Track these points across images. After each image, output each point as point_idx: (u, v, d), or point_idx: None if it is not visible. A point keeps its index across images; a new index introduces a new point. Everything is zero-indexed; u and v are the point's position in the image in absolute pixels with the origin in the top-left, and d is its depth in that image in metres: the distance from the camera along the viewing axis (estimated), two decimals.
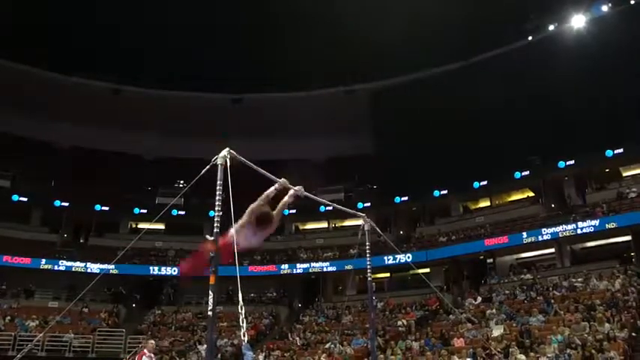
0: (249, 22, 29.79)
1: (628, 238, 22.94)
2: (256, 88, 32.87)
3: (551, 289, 21.06)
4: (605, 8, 27.77)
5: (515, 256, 26.87)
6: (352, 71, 31.94)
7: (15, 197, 30.09)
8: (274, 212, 6.33)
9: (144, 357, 11.61)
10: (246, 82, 32.04)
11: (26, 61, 30.20)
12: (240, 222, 6.10)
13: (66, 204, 31.10)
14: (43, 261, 27.99)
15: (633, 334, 15.70)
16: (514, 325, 18.27)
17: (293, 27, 28.93)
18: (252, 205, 6.19)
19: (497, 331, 18.02)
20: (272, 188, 6.46)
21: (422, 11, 27.37)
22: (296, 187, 6.78)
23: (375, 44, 28.46)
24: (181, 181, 31.94)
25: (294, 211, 32.57)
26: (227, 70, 30.98)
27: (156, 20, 29.09)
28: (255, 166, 6.45)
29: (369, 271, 8.95)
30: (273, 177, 6.66)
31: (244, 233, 6.13)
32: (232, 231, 6.05)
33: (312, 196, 6.93)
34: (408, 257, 26.38)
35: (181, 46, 30.38)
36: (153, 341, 13.32)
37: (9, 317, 24.40)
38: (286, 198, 6.65)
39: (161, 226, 33.26)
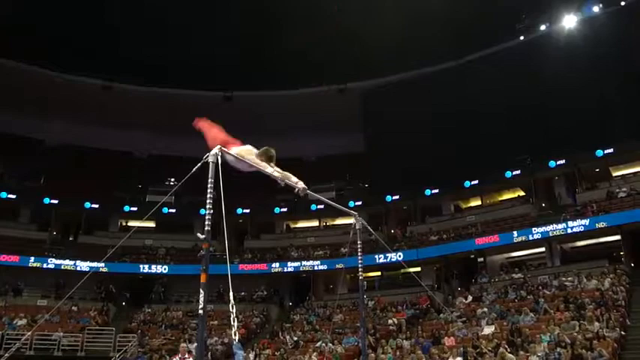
0: (242, 21, 29.69)
1: (617, 237, 23.05)
2: (248, 86, 32.81)
3: (541, 288, 21.15)
4: (596, 9, 27.95)
5: (505, 255, 26.94)
6: (344, 70, 31.93)
7: (3, 194, 29.81)
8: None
9: None
10: (237, 80, 31.96)
11: (15, 57, 29.97)
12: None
13: (55, 201, 30.85)
14: (32, 259, 27.77)
15: (622, 332, 15.81)
16: (504, 323, 18.32)
17: (285, 26, 28.87)
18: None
19: (487, 330, 18.07)
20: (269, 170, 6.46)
21: (414, 11, 27.40)
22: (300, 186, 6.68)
23: (368, 43, 28.45)
24: (172, 179, 31.85)
25: (285, 209, 32.64)
26: (219, 67, 30.89)
27: (149, 19, 28.92)
28: (247, 164, 6.39)
29: (360, 269, 8.90)
30: (263, 169, 6.59)
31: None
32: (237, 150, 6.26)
33: (310, 191, 6.81)
34: (399, 256, 26.41)
35: (173, 44, 30.25)
36: (184, 344, 13.46)
37: None
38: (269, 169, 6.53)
39: (151, 224, 33.14)
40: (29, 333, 19.78)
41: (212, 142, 6.26)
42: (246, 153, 6.38)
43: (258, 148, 6.77)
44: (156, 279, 30.36)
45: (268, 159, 6.50)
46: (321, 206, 30.84)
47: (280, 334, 24.08)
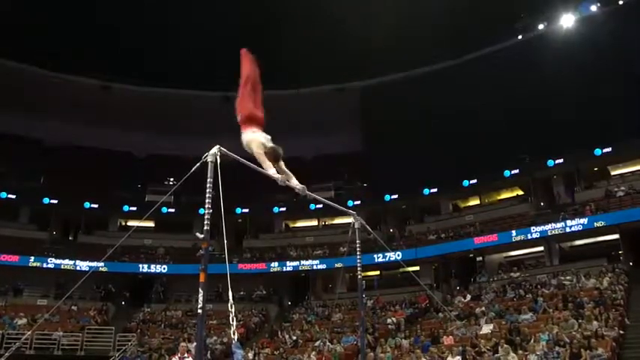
0: (240, 21, 29.68)
1: (616, 236, 23.11)
2: None
3: (539, 287, 21.19)
4: (593, 8, 27.98)
5: (504, 255, 26.99)
6: (342, 69, 31.91)
7: (3, 194, 29.80)
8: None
9: None
10: (237, 80, 31.88)
11: (15, 57, 29.96)
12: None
13: (55, 201, 30.82)
14: (32, 258, 27.77)
15: (621, 331, 15.84)
16: (503, 322, 18.37)
17: (283, 25, 28.86)
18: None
19: (486, 329, 18.10)
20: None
21: (412, 10, 27.41)
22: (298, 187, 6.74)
23: (366, 42, 28.45)
24: (171, 179, 31.87)
25: (284, 209, 32.66)
26: (219, 67, 30.82)
27: (148, 19, 28.92)
28: (246, 162, 6.43)
29: (359, 268, 8.93)
30: (264, 169, 6.63)
31: None
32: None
33: (309, 192, 6.83)
34: (398, 255, 26.41)
35: (172, 44, 30.24)
36: (184, 343, 13.49)
37: None
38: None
39: (151, 224, 33.14)
40: (29, 332, 19.79)
41: (239, 106, 6.96)
42: (255, 146, 6.48)
43: (273, 141, 6.79)
44: (155, 278, 30.38)
45: (274, 158, 6.50)
46: (320, 205, 30.84)
47: (279, 333, 24.10)
